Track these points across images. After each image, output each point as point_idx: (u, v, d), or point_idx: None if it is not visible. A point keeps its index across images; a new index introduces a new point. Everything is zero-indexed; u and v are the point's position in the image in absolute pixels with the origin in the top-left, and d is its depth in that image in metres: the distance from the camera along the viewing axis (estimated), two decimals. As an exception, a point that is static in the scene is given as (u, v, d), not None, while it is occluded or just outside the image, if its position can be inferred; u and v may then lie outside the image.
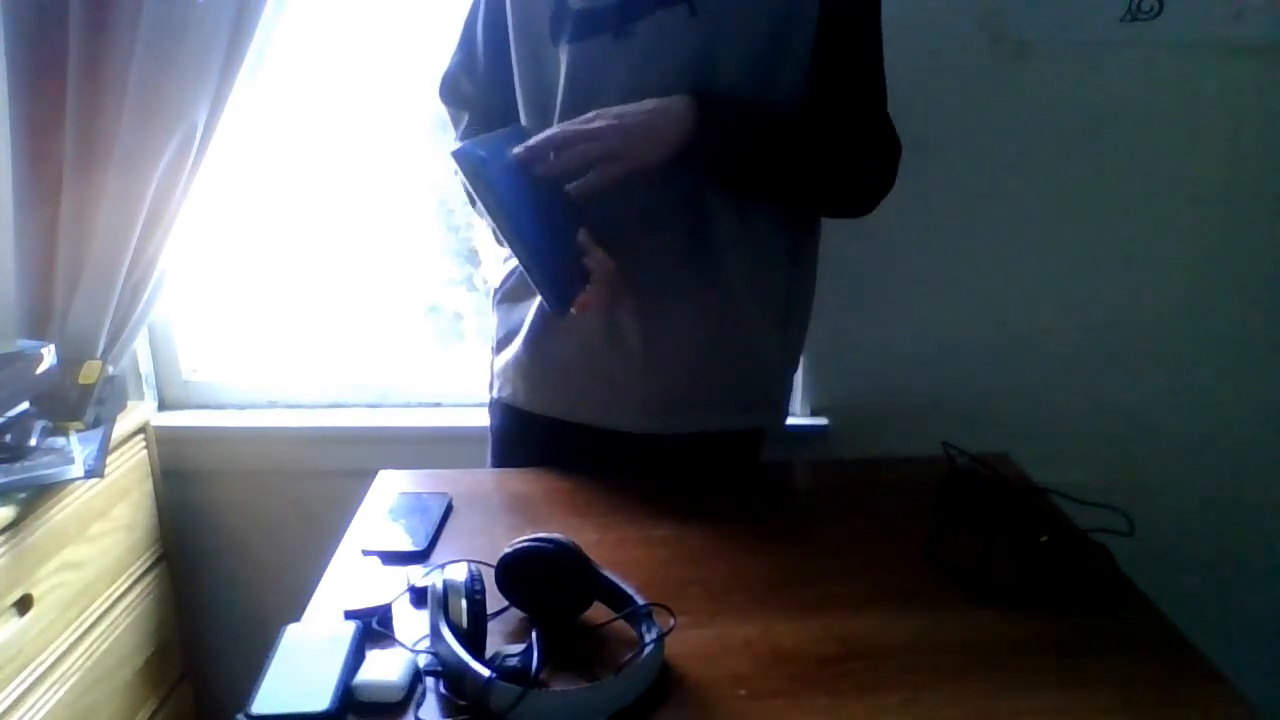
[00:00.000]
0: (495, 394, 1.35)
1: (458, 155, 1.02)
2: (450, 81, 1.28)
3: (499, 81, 1.21)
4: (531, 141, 1.05)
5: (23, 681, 1.29)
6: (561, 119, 1.12)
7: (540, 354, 1.26)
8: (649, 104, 1.06)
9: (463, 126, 1.29)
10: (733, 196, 1.15)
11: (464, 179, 1.04)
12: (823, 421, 1.68)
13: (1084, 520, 1.11)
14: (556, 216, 1.10)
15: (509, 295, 1.31)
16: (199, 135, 1.45)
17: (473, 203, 1.18)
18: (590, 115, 1.06)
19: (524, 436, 1.34)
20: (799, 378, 1.67)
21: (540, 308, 1.24)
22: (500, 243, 1.21)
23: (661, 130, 1.05)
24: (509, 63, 1.19)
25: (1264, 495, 1.74)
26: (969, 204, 1.59)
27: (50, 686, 1.35)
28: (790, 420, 1.67)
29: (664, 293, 1.17)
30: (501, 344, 1.33)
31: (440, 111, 1.33)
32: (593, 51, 1.11)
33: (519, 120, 1.20)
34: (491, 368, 1.36)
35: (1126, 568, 1.02)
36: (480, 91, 1.26)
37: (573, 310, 1.10)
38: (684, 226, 1.15)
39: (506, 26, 1.17)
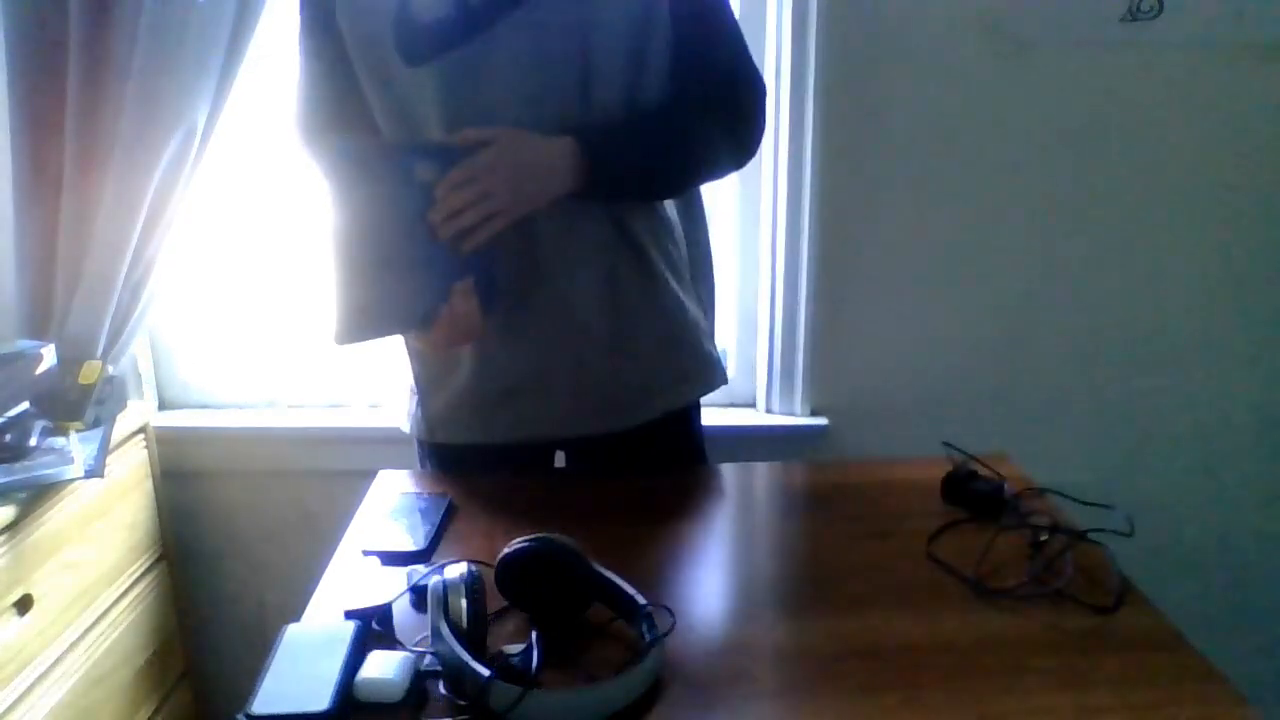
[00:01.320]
0: (434, 438, 1.29)
1: (345, 150, 0.99)
2: (305, 127, 1.22)
3: (349, 116, 1.17)
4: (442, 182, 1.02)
5: (23, 681, 1.29)
6: (442, 137, 1.09)
7: (487, 384, 1.22)
8: (540, 150, 1.06)
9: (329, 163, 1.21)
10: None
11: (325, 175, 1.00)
12: (823, 421, 1.68)
13: (1084, 520, 1.11)
14: (397, 250, 1.07)
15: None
16: (199, 135, 1.45)
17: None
18: (486, 157, 1.02)
19: (465, 469, 1.29)
20: (798, 378, 1.67)
21: (475, 345, 1.19)
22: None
23: (550, 188, 1.07)
24: (352, 94, 1.15)
25: (1263, 495, 1.74)
26: (969, 204, 1.59)
27: (50, 686, 1.35)
28: (790, 420, 1.69)
29: (595, 293, 1.18)
30: (430, 387, 1.27)
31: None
32: (462, 63, 1.08)
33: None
34: (420, 412, 1.28)
35: (1126, 568, 1.03)
36: (335, 130, 1.19)
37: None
38: (601, 227, 1.16)
39: (340, 63, 1.13)
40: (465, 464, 1.29)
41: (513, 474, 1.28)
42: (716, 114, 1.18)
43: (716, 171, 1.27)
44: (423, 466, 1.36)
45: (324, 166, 1.19)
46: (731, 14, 1.21)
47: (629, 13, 1.10)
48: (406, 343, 1.28)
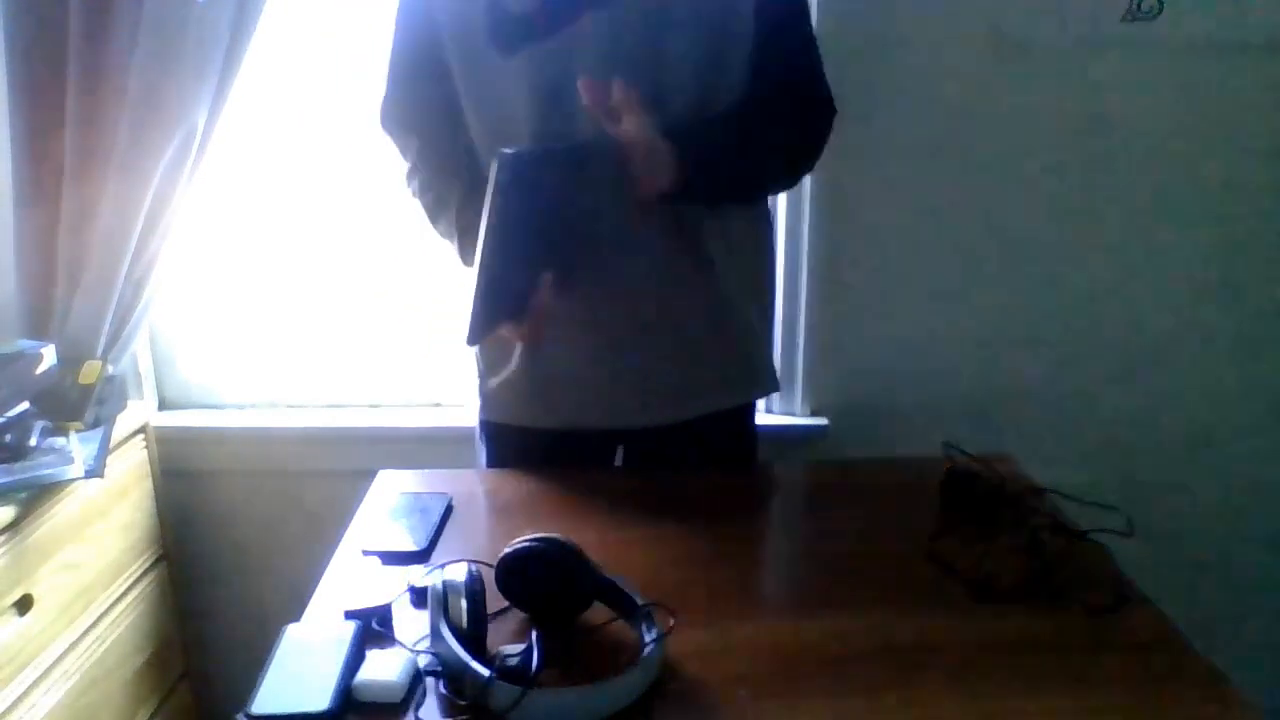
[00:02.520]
0: (487, 416, 1.33)
1: (509, 156, 0.97)
2: (388, 110, 1.26)
3: (435, 105, 1.20)
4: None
5: (23, 681, 1.29)
6: (528, 124, 1.13)
7: (537, 369, 1.25)
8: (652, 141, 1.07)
9: (412, 157, 1.26)
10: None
11: (496, 182, 0.98)
12: (823, 421, 1.68)
13: (1084, 520, 1.11)
14: (537, 250, 1.10)
15: None
16: (199, 136, 1.45)
17: (434, 219, 1.22)
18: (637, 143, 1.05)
19: (522, 452, 1.32)
20: (798, 378, 1.67)
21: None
22: (468, 259, 1.16)
23: (660, 185, 1.08)
24: (441, 85, 1.18)
25: (1263, 495, 1.74)
26: (968, 204, 1.59)
27: (50, 686, 1.35)
28: (790, 420, 1.69)
29: (651, 287, 1.19)
30: (490, 368, 1.30)
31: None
32: (550, 54, 1.10)
33: (462, 139, 1.20)
34: (480, 392, 1.33)
35: (1126, 568, 1.03)
36: (418, 117, 1.24)
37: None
38: (664, 222, 1.17)
39: (434, 51, 1.16)
40: (518, 447, 1.31)
41: (540, 466, 1.29)
42: (790, 131, 1.21)
43: (776, 187, 1.30)
44: (481, 446, 1.37)
45: (409, 154, 1.26)
46: (812, 33, 1.23)
47: (709, 16, 1.11)
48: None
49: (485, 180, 0.96)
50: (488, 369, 1.31)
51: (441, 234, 1.26)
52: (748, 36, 1.14)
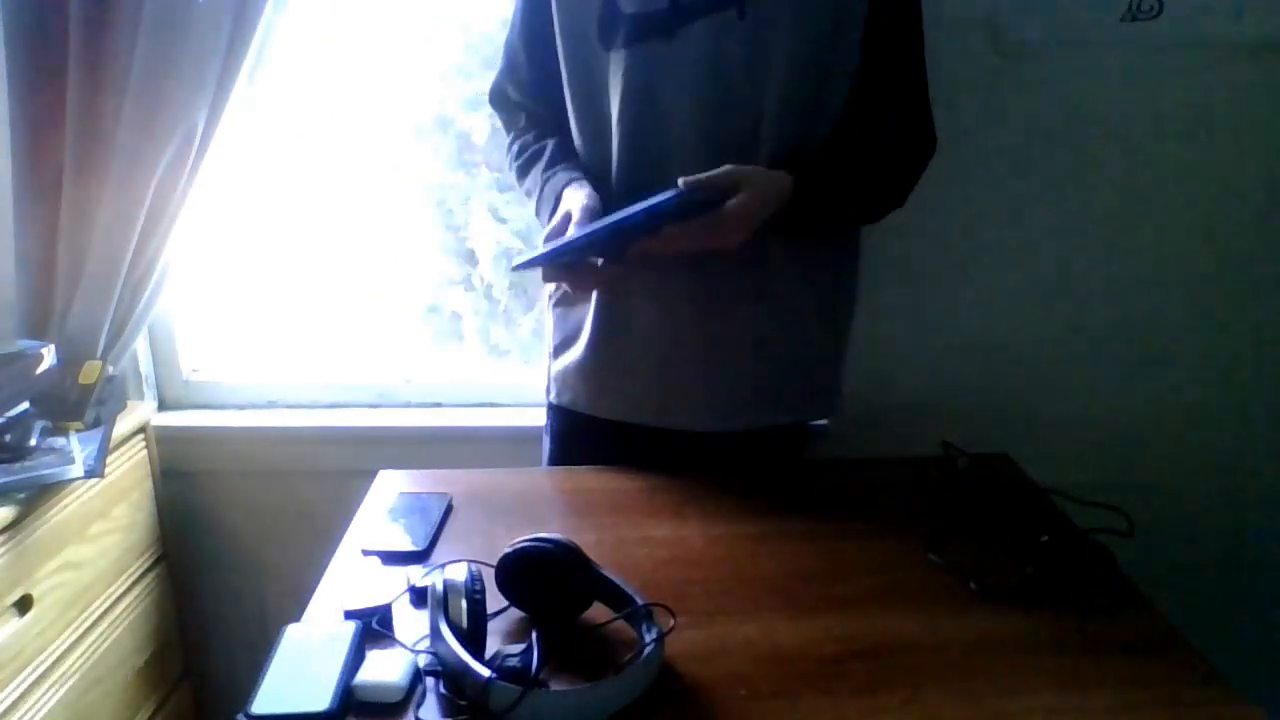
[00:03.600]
0: (554, 399, 1.35)
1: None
2: (498, 89, 1.31)
3: (543, 87, 1.23)
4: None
5: (23, 681, 1.29)
6: (619, 123, 1.15)
7: (602, 358, 1.26)
8: (776, 195, 1.08)
9: (516, 130, 1.30)
10: None
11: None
12: (823, 421, 1.68)
13: (1084, 520, 1.11)
14: (613, 248, 1.10)
15: (565, 298, 1.31)
16: (199, 135, 1.45)
17: (521, 175, 1.27)
18: (742, 206, 1.04)
19: (583, 439, 1.34)
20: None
21: (599, 311, 1.24)
22: (543, 218, 1.20)
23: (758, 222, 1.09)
24: (551, 69, 1.20)
25: (1264, 495, 1.74)
26: (968, 204, 1.59)
27: (50, 686, 1.35)
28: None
29: (723, 294, 1.20)
30: (559, 348, 1.32)
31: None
32: (648, 55, 1.12)
33: (566, 121, 1.22)
34: (549, 372, 1.35)
35: (1126, 568, 1.03)
36: (526, 97, 1.28)
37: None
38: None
39: (549, 34, 1.18)
40: (581, 434, 1.33)
41: (599, 455, 1.31)
42: (894, 167, 1.21)
43: (872, 220, 1.29)
44: (546, 429, 1.39)
45: (510, 132, 1.30)
46: (923, 58, 1.22)
47: (816, 31, 1.11)
48: (548, 301, 1.35)
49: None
50: (556, 349, 1.33)
51: (526, 190, 1.27)
52: (850, 72, 1.14)
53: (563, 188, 1.16)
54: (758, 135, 1.13)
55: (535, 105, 1.28)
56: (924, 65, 1.22)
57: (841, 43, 1.13)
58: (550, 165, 1.21)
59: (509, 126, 1.32)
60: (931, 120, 1.22)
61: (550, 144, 1.24)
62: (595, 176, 1.18)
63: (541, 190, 1.21)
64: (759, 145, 1.14)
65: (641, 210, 1.00)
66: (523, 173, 1.27)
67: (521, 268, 1.14)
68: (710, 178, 1.03)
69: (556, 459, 1.39)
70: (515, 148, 1.29)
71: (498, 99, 1.32)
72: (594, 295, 1.24)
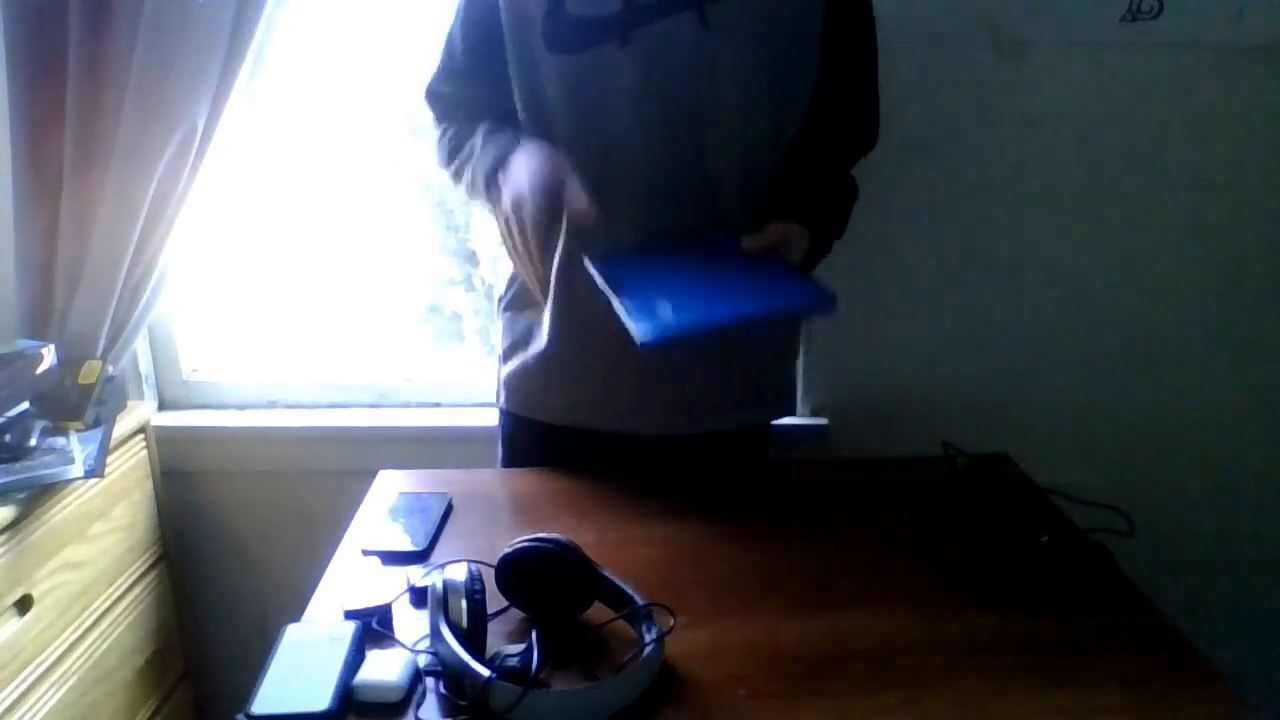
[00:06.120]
0: (503, 404, 1.34)
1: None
2: (434, 86, 1.26)
3: (482, 79, 1.20)
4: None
5: (23, 681, 1.29)
6: (563, 125, 1.13)
7: (553, 363, 1.25)
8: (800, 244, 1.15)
9: (448, 121, 1.26)
10: (738, 199, 1.17)
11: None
12: (823, 421, 1.68)
13: (1084, 520, 1.11)
14: None
15: (514, 302, 1.30)
16: (199, 135, 1.45)
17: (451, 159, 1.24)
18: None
19: (533, 443, 1.33)
20: (798, 378, 1.67)
21: (554, 315, 1.22)
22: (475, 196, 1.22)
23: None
24: (493, 60, 1.17)
25: (1264, 495, 1.74)
26: (968, 204, 1.59)
27: (50, 686, 1.35)
28: (790, 420, 1.68)
29: None
30: (509, 352, 1.31)
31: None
32: (595, 60, 1.10)
33: (507, 117, 1.19)
34: (499, 376, 1.34)
35: (1126, 568, 1.03)
36: (460, 90, 1.24)
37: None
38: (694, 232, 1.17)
39: (494, 23, 1.15)
40: (531, 438, 1.32)
41: (551, 459, 1.30)
42: (851, 163, 1.26)
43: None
44: (501, 435, 1.38)
45: (442, 137, 1.25)
46: (876, 66, 1.25)
47: (773, 56, 1.12)
48: (498, 306, 1.34)
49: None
50: (505, 353, 1.31)
51: (458, 165, 1.23)
52: (814, 54, 1.15)
53: (515, 137, 1.14)
54: (705, 146, 1.13)
55: (470, 95, 1.23)
56: (876, 66, 1.24)
57: (796, 52, 1.12)
58: (489, 132, 1.19)
59: (440, 119, 1.27)
60: (878, 117, 1.26)
61: (484, 124, 1.20)
62: None
63: (482, 142, 1.18)
64: (707, 154, 1.13)
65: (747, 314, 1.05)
66: (454, 153, 1.22)
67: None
68: (769, 241, 1.12)
69: (508, 464, 1.38)
70: (448, 135, 1.24)
71: (433, 95, 1.27)
72: (548, 300, 1.22)
